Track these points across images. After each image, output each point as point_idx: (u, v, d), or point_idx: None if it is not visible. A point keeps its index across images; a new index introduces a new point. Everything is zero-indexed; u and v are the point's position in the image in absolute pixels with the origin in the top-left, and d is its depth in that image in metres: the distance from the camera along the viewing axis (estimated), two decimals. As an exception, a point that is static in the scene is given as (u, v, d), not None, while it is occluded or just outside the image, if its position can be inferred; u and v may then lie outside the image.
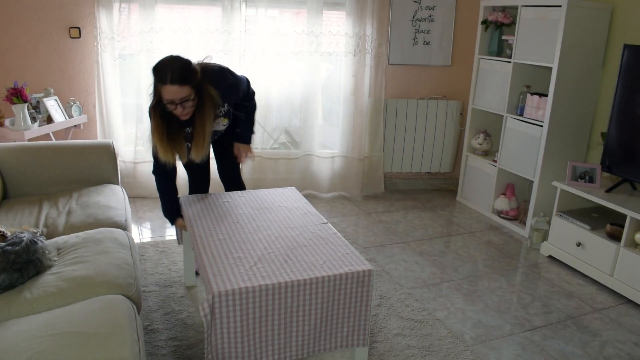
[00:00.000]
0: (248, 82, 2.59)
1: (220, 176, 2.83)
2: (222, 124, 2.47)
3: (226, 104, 2.40)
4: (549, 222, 3.34)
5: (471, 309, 2.62)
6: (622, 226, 2.83)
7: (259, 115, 3.95)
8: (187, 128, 2.33)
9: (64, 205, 2.47)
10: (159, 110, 2.22)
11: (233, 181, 2.83)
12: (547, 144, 3.39)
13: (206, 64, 2.33)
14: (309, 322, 1.85)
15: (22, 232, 1.91)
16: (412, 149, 4.29)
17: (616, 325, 2.55)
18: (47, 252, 1.90)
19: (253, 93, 2.63)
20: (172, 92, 2.11)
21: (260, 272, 1.81)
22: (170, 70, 2.09)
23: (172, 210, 2.50)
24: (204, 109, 2.25)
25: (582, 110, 3.44)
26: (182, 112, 2.19)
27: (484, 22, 3.88)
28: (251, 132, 2.67)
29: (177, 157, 2.36)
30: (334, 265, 1.89)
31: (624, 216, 2.81)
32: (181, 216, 2.49)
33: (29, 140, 3.13)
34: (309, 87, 3.94)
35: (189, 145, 2.35)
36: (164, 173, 2.40)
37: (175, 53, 2.20)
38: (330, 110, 4.20)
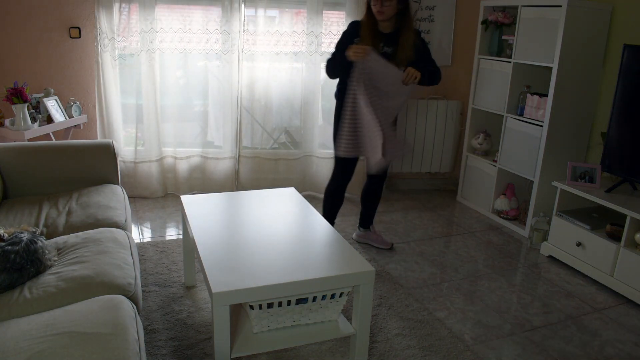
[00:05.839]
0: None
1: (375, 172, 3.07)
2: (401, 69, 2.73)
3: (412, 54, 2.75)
4: (549, 222, 3.34)
5: (471, 309, 2.62)
6: (622, 226, 2.83)
7: (258, 115, 3.98)
8: (382, 45, 2.75)
9: (64, 205, 2.47)
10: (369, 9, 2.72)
11: (382, 176, 3.11)
12: (547, 144, 3.39)
13: None
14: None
15: (22, 232, 1.91)
16: (412, 149, 4.29)
17: (616, 325, 2.55)
18: (46, 252, 1.90)
19: (440, 75, 2.86)
20: None
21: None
22: None
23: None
24: (408, 26, 2.72)
25: (582, 110, 3.44)
26: (379, 9, 2.63)
27: (484, 22, 3.88)
28: (426, 71, 2.76)
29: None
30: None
31: (624, 216, 2.81)
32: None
33: (29, 140, 3.13)
34: (308, 87, 3.94)
35: (387, 52, 2.76)
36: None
37: None
38: (330, 110, 4.19)
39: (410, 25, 2.73)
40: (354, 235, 3.36)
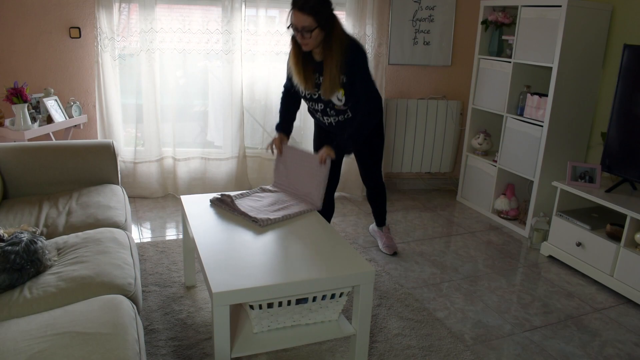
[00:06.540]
0: (377, 96, 2.62)
1: (361, 177, 3.05)
2: (338, 95, 2.54)
3: (344, 76, 2.46)
4: (549, 222, 3.34)
5: (471, 309, 2.62)
6: (622, 226, 2.83)
7: (258, 115, 3.98)
8: (317, 75, 2.51)
9: (64, 205, 2.47)
10: (294, 38, 2.46)
11: (371, 180, 3.02)
12: (547, 144, 3.39)
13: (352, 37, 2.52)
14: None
15: (22, 232, 1.91)
16: (412, 149, 4.29)
17: (616, 325, 2.55)
18: (46, 252, 1.90)
19: (375, 109, 2.60)
20: (295, 17, 2.32)
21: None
22: None
23: (282, 126, 2.72)
24: (332, 51, 2.39)
25: (582, 110, 3.44)
26: (302, 41, 2.38)
27: (484, 22, 3.89)
28: (348, 143, 2.54)
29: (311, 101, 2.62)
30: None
31: (624, 216, 2.81)
32: (286, 134, 2.70)
33: (29, 140, 3.13)
34: (309, 87, 3.94)
35: (319, 81, 2.53)
36: (289, 90, 2.70)
37: None
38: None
39: (334, 53, 2.39)
40: (369, 227, 3.43)
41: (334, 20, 2.40)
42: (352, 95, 2.52)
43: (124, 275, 1.89)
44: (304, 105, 3.02)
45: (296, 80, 2.54)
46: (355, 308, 1.93)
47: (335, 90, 2.49)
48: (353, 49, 2.44)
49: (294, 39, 2.44)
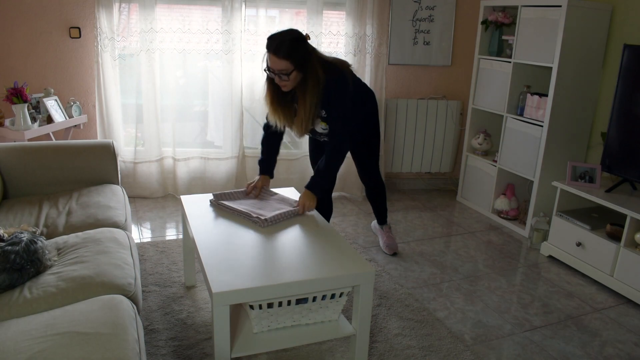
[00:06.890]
0: (345, 132, 2.47)
1: (360, 177, 3.05)
2: (321, 126, 2.53)
3: (324, 110, 2.44)
4: (549, 222, 3.34)
5: (471, 309, 2.62)
6: (622, 226, 2.83)
7: (259, 116, 3.97)
8: (295, 105, 2.43)
9: (64, 205, 2.47)
10: (269, 77, 2.37)
11: (370, 180, 3.02)
12: (547, 144, 3.39)
13: (336, 61, 2.45)
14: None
15: (22, 232, 1.91)
16: (412, 149, 4.29)
17: (616, 325, 2.55)
18: (46, 252, 1.90)
19: (340, 143, 2.44)
20: (271, 60, 2.25)
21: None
22: (276, 41, 2.23)
23: (265, 165, 2.63)
24: (306, 92, 2.32)
25: (582, 110, 3.44)
26: (280, 83, 2.32)
27: (484, 22, 3.89)
28: (322, 181, 2.45)
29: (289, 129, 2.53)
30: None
31: (624, 216, 2.81)
32: (269, 175, 2.62)
33: (29, 140, 3.13)
34: (309, 87, 3.93)
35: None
36: (269, 129, 2.59)
37: (293, 28, 2.35)
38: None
39: (308, 96, 2.32)
40: (372, 224, 3.45)
41: (311, 57, 2.31)
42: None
43: (124, 275, 1.89)
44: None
45: (272, 119, 2.48)
46: (355, 308, 1.93)
47: (306, 130, 2.47)
48: (332, 85, 2.36)
49: (268, 79, 2.37)
